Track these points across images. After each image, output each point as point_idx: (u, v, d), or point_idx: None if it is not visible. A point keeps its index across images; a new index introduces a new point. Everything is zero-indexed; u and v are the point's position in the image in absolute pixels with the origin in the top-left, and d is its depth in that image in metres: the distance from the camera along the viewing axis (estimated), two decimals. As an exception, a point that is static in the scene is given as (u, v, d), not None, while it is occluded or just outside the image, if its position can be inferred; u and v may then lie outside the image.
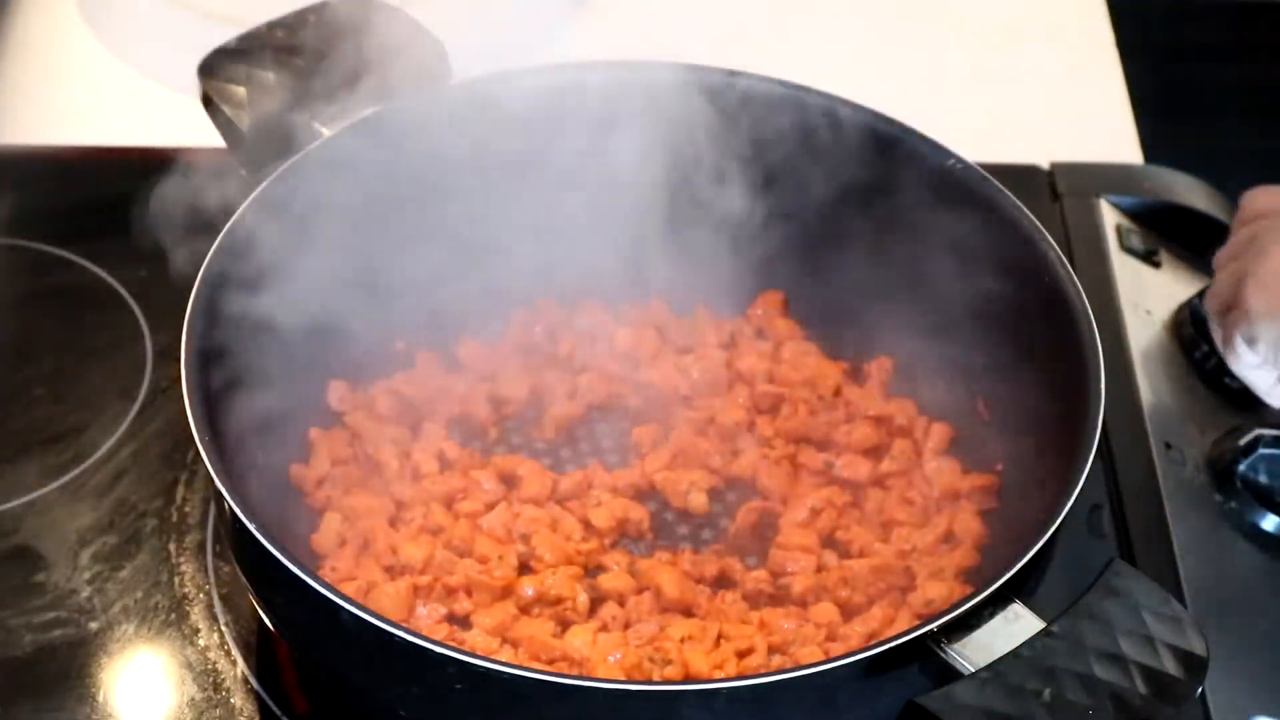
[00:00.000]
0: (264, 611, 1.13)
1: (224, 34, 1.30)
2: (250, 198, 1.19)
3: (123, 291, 1.41)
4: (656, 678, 1.13)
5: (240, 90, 1.25)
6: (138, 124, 1.56)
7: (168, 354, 1.36)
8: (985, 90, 1.65)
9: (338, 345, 1.28)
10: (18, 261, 1.44)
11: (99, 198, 1.46)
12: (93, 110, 1.59)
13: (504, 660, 1.12)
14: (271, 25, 1.29)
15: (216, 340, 1.13)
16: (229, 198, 1.20)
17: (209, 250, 1.16)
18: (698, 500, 1.28)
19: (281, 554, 1.02)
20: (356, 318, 1.28)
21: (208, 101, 1.27)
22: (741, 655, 1.16)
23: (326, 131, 1.24)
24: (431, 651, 0.98)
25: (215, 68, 1.27)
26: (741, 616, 1.19)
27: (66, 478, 1.30)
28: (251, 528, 1.03)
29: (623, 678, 1.13)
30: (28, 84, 1.60)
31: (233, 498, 1.04)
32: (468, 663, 0.98)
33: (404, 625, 1.03)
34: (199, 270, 1.15)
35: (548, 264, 1.35)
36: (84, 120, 1.58)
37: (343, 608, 1.00)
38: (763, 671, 1.12)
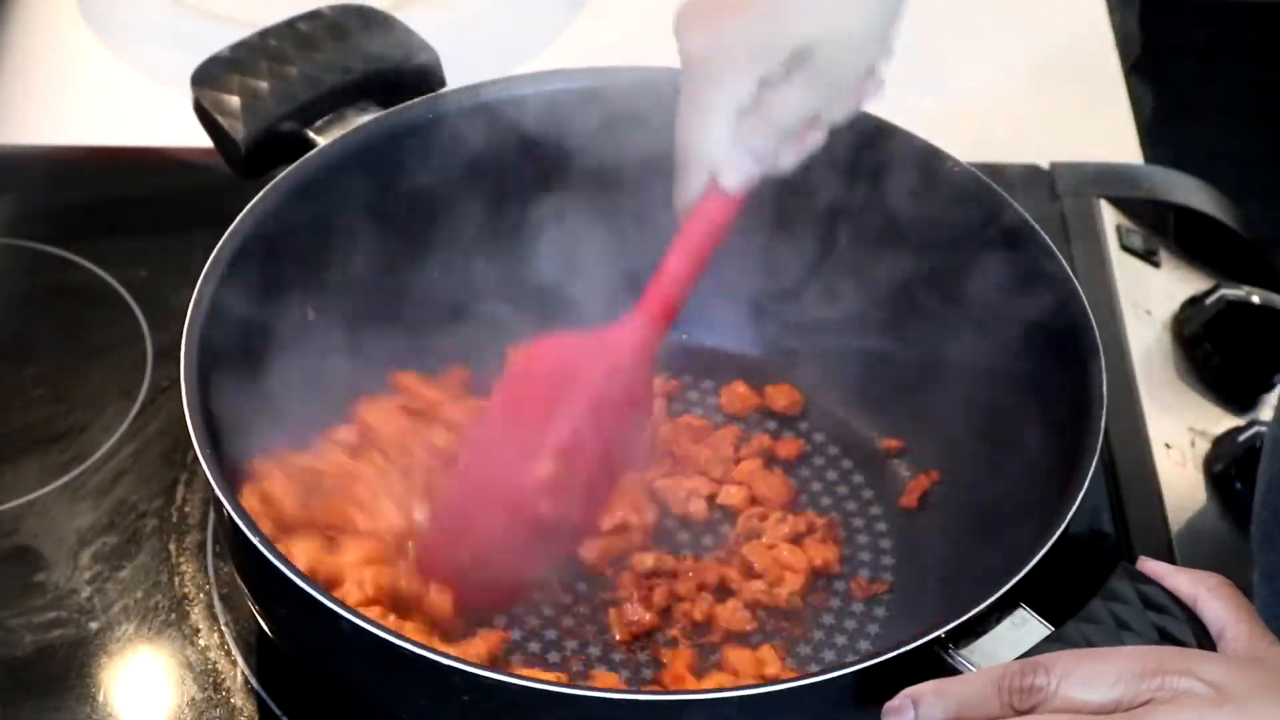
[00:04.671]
0: (264, 621, 1.13)
1: (224, 33, 1.29)
2: (248, 206, 1.18)
3: (123, 291, 1.41)
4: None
5: (234, 99, 1.25)
6: (138, 124, 1.55)
7: (168, 354, 1.36)
8: (985, 90, 1.65)
9: (336, 349, 1.28)
10: (18, 261, 1.44)
11: (99, 198, 1.46)
12: (93, 110, 1.58)
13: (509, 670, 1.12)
14: (264, 33, 1.29)
15: (216, 348, 1.13)
16: (228, 199, 1.20)
17: (209, 254, 1.16)
18: (698, 507, 1.27)
19: (283, 563, 1.01)
20: (353, 326, 1.28)
21: (201, 111, 1.26)
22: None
23: (321, 140, 1.24)
24: (437, 663, 0.98)
25: (208, 77, 1.27)
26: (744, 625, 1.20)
27: (66, 478, 1.30)
28: (254, 540, 1.02)
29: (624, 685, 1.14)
30: (28, 84, 1.60)
31: (233, 506, 1.04)
32: (473, 673, 0.98)
33: (407, 636, 1.03)
34: (199, 273, 1.15)
35: (543, 273, 1.34)
36: (84, 120, 1.57)
37: (345, 618, 0.99)
38: (769, 680, 1.13)
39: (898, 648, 0.97)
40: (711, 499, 1.28)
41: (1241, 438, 1.35)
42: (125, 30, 1.63)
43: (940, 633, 0.97)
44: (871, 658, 0.97)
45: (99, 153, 1.50)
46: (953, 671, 0.96)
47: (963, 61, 1.68)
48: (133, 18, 1.64)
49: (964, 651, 0.97)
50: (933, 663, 0.97)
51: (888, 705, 0.92)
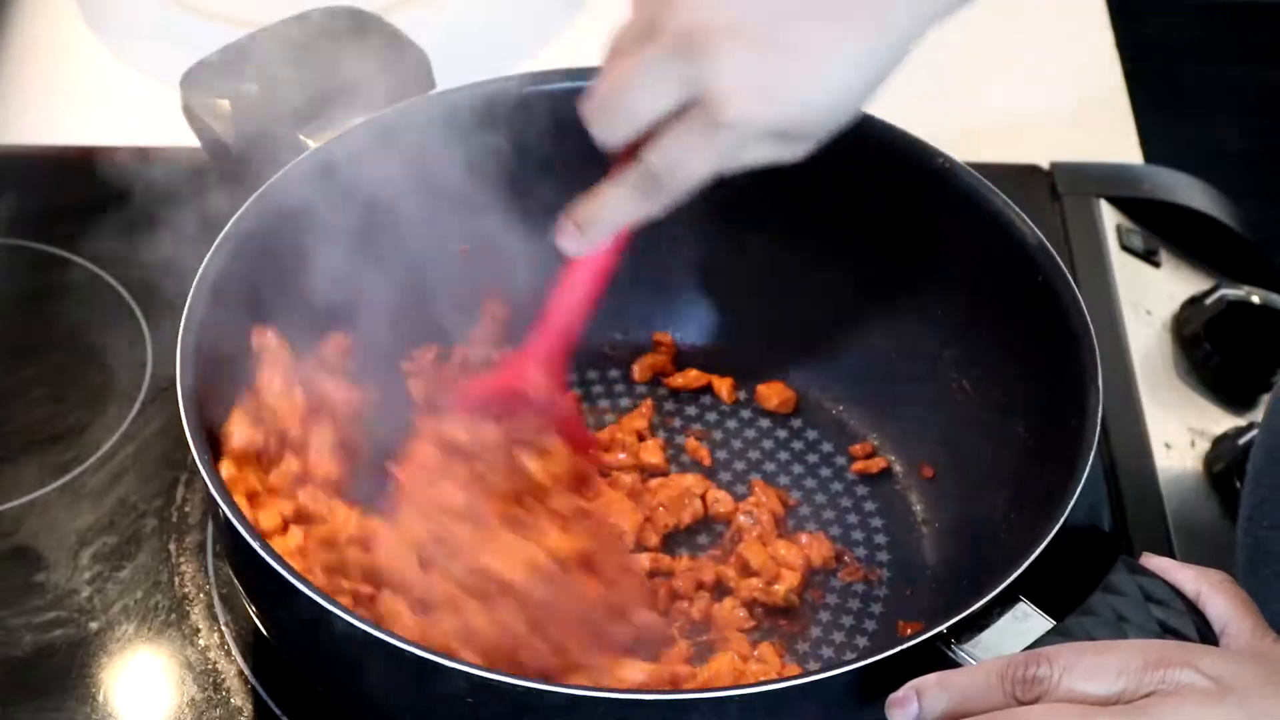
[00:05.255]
0: (263, 624, 1.13)
1: (223, 33, 1.30)
2: (241, 210, 1.18)
3: (123, 291, 1.41)
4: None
5: (224, 103, 1.25)
6: (138, 124, 1.55)
7: (168, 354, 1.36)
8: (985, 90, 1.65)
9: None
10: (18, 261, 1.44)
11: (99, 198, 1.45)
12: (93, 110, 1.58)
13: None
14: (254, 36, 1.29)
15: (210, 353, 1.13)
16: (225, 200, 1.20)
17: (203, 258, 1.16)
18: (693, 506, 1.27)
19: (282, 566, 1.01)
20: (343, 329, 1.28)
21: (191, 115, 1.26)
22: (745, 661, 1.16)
23: (312, 143, 1.24)
24: (438, 664, 0.98)
25: (197, 80, 1.27)
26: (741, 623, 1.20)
27: (66, 478, 1.30)
28: (255, 545, 1.02)
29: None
30: (28, 84, 1.60)
31: (232, 511, 1.04)
32: (477, 675, 0.98)
33: (412, 639, 1.03)
34: (194, 277, 1.15)
35: (537, 273, 1.34)
36: (84, 120, 1.57)
37: (343, 619, 0.99)
38: (773, 678, 1.13)
39: (900, 644, 0.97)
40: (705, 497, 1.28)
41: (1242, 438, 1.35)
42: (125, 30, 1.63)
43: (942, 628, 0.98)
44: (874, 654, 0.97)
45: (99, 153, 1.49)
46: (955, 666, 0.96)
47: (962, 61, 1.68)
48: (132, 18, 1.64)
49: (966, 646, 0.97)
50: (935, 658, 0.97)
51: (892, 697, 0.92)
